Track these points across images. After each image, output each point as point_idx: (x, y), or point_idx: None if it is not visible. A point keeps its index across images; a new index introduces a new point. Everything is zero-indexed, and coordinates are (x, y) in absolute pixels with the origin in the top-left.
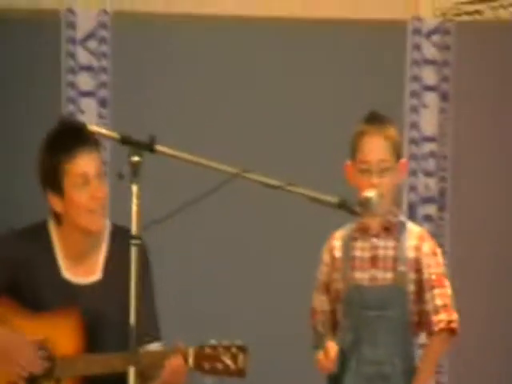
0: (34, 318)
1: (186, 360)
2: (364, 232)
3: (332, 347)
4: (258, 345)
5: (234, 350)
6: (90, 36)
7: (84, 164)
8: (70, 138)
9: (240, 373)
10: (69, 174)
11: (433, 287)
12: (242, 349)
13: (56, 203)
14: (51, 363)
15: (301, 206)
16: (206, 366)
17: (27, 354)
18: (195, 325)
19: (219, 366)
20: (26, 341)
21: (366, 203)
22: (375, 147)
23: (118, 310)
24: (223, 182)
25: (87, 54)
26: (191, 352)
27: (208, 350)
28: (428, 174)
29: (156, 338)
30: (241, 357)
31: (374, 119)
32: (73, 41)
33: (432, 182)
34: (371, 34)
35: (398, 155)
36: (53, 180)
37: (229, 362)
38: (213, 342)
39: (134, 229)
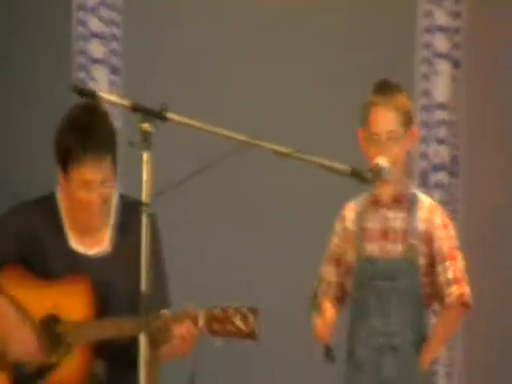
0: (45, 285)
1: (196, 322)
2: (376, 203)
3: (329, 312)
4: (270, 310)
5: (244, 310)
6: (101, 3)
7: (88, 173)
8: (87, 139)
9: (251, 334)
10: (74, 174)
11: (444, 260)
12: (252, 310)
13: (62, 180)
14: (61, 329)
15: (312, 176)
16: (217, 327)
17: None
18: (205, 291)
19: (229, 327)
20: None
21: (376, 170)
22: (383, 118)
23: (127, 281)
24: (233, 150)
25: (98, 22)
26: (201, 314)
27: (218, 312)
28: (439, 141)
29: (167, 306)
30: (251, 318)
31: (384, 88)
32: (84, 8)
33: (443, 150)
34: (383, 1)
35: (407, 124)
36: (62, 163)
37: (239, 322)
38: (223, 304)
39: (144, 197)
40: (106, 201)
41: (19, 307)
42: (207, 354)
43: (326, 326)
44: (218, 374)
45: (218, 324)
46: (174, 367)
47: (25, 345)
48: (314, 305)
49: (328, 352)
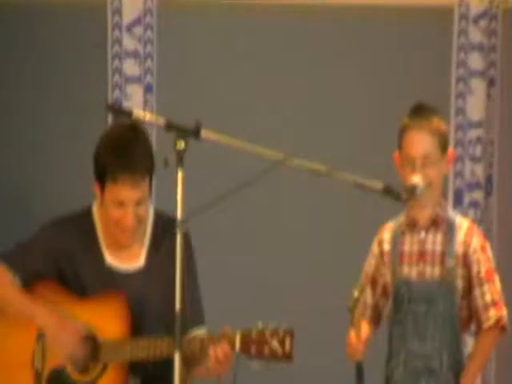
0: (80, 302)
1: (232, 345)
2: (413, 226)
3: (364, 329)
4: (304, 330)
5: (281, 333)
6: (135, 22)
7: (123, 193)
8: (125, 158)
9: (287, 357)
10: (109, 190)
11: (482, 283)
12: (288, 332)
13: (98, 192)
14: (97, 347)
15: (349, 195)
16: (253, 350)
17: (73, 337)
18: (241, 310)
19: (266, 350)
20: (73, 325)
21: (411, 190)
22: (419, 142)
23: (160, 298)
24: (269, 169)
25: (133, 41)
26: (238, 336)
27: (255, 334)
28: (475, 159)
29: (200, 322)
30: (288, 341)
31: (420, 112)
32: (119, 27)
33: (479, 168)
34: (418, 20)
35: (443, 147)
36: (99, 178)
37: (276, 345)
38: (260, 325)
39: (178, 215)
40: (139, 221)
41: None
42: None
43: (360, 344)
44: None
45: (254, 346)
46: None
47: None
48: (353, 319)
49: (359, 371)
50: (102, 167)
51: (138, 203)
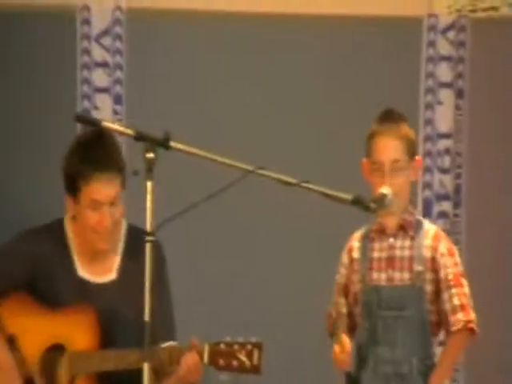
0: (50, 313)
1: (201, 357)
2: (381, 232)
3: (346, 341)
4: (273, 343)
5: (249, 346)
6: (104, 33)
7: (97, 191)
8: (94, 157)
9: (255, 370)
10: (83, 193)
11: (450, 287)
12: (257, 345)
13: (71, 206)
14: (65, 359)
15: (316, 205)
16: (221, 362)
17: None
18: (210, 322)
19: (234, 362)
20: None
21: (380, 200)
22: (387, 148)
23: (133, 310)
24: (237, 179)
25: (102, 51)
26: (206, 349)
27: (223, 347)
28: (443, 170)
29: (171, 339)
30: (256, 353)
31: (388, 118)
32: (88, 37)
33: (447, 179)
34: (387, 31)
35: (411, 153)
36: (70, 188)
37: (244, 358)
38: (228, 338)
39: (148, 225)
40: (115, 223)
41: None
42: None
43: (346, 355)
44: None
45: (222, 359)
46: None
47: None
48: (335, 335)
49: (351, 380)
50: (72, 174)
51: (113, 203)
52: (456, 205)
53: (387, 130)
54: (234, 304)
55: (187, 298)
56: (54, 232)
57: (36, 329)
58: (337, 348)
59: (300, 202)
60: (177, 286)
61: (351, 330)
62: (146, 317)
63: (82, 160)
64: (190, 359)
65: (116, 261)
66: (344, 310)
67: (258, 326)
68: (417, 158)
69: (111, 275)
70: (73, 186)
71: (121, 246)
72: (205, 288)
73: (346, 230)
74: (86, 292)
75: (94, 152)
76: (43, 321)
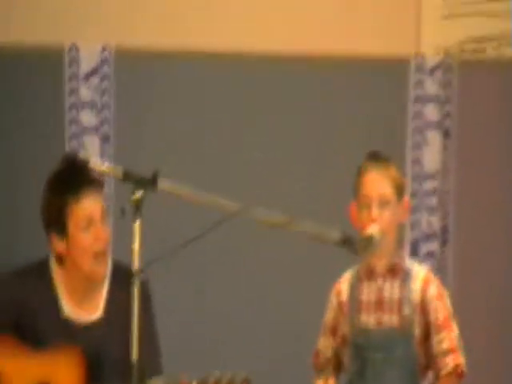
0: (35, 356)
1: None
2: (370, 274)
3: (331, 381)
4: (262, 378)
5: (238, 381)
6: (92, 72)
7: (89, 206)
8: (76, 177)
9: None
10: (74, 215)
11: (439, 331)
12: (245, 380)
13: (59, 244)
14: None
15: (304, 244)
16: None
17: None
18: (197, 358)
19: None
20: None
21: (368, 241)
22: (376, 182)
23: (119, 348)
24: (225, 218)
25: (90, 91)
26: None
27: (211, 383)
28: (430, 210)
29: (157, 373)
30: None
31: (376, 157)
32: (76, 77)
33: (434, 219)
34: (374, 71)
35: (400, 194)
36: (57, 221)
37: None
38: (216, 373)
39: (135, 265)
40: (108, 243)
41: None
42: None
43: None
44: None
45: None
46: None
47: None
48: (320, 376)
49: None
50: (56, 203)
51: (102, 220)
52: (443, 244)
53: (376, 167)
54: (222, 340)
55: (175, 333)
56: (38, 273)
57: (21, 369)
58: None
59: (288, 239)
60: (163, 322)
61: (337, 370)
62: (133, 356)
63: (64, 187)
64: None
65: (102, 300)
66: (330, 350)
67: (246, 359)
68: (405, 199)
69: (97, 314)
70: (58, 217)
71: (106, 284)
72: (192, 323)
73: (335, 268)
74: (71, 333)
75: (73, 174)
76: (28, 362)
